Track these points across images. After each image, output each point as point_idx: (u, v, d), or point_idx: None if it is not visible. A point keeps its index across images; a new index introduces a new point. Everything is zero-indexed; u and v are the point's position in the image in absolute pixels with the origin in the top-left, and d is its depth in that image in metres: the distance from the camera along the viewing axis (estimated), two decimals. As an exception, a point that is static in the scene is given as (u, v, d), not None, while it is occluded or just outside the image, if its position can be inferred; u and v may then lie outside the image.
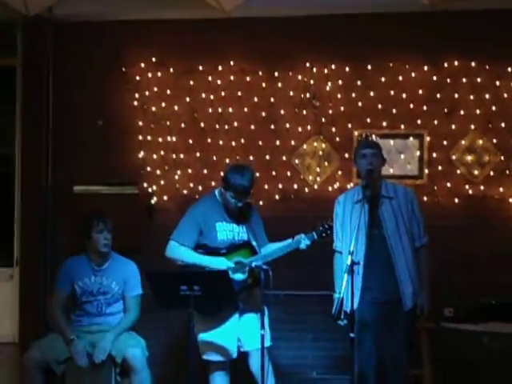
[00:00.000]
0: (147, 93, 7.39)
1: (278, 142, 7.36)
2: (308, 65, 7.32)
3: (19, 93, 7.40)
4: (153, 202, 7.25)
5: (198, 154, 7.35)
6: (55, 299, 5.95)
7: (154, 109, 7.37)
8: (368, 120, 7.30)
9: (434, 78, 7.28)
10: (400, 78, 7.30)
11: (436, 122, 7.24)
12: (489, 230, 7.05)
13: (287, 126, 7.31)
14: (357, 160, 5.66)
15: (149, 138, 7.35)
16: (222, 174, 6.53)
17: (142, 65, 7.39)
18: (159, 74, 7.42)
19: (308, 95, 7.25)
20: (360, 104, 7.28)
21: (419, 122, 7.27)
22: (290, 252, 5.78)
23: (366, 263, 5.44)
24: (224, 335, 5.67)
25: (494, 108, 7.21)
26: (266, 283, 5.42)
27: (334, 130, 7.33)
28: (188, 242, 5.72)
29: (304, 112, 7.33)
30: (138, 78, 7.38)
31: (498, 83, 7.21)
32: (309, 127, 7.33)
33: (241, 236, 5.81)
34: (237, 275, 5.68)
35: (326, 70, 7.31)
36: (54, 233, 7.23)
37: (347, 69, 7.31)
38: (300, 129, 7.36)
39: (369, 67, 7.30)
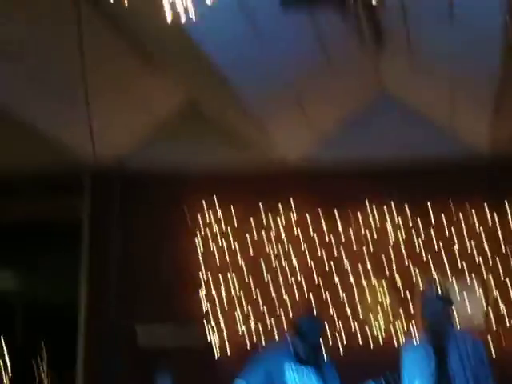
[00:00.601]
0: (209, 232, 7.47)
1: (342, 296, 7.30)
2: (368, 205, 7.28)
3: (85, 243, 7.57)
4: (216, 355, 7.14)
5: (262, 307, 7.34)
6: None
7: (217, 262, 7.37)
8: (430, 262, 7.27)
9: (495, 217, 7.16)
10: (460, 218, 7.27)
11: (498, 262, 7.18)
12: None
13: (346, 266, 7.24)
14: (425, 310, 5.58)
15: (213, 291, 7.33)
16: (285, 327, 6.59)
17: (205, 206, 7.49)
18: (223, 227, 7.51)
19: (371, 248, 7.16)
20: (421, 245, 7.25)
21: (481, 263, 7.20)
22: None
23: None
24: None
25: None
26: None
27: (398, 279, 7.29)
28: (249, 380, 5.63)
29: (367, 264, 7.26)
30: (200, 219, 7.48)
31: None
32: (373, 280, 7.27)
33: (310, 381, 5.71)
34: None
35: (386, 211, 7.27)
36: (117, 370, 7.08)
37: (407, 209, 7.30)
38: (364, 282, 7.30)
39: (429, 207, 7.29)
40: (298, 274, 7.42)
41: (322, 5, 5.30)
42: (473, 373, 5.45)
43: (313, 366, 5.81)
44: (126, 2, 4.30)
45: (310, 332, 5.76)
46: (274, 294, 7.42)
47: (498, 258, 7.23)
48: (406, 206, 7.39)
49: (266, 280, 7.46)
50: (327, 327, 7.00)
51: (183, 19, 3.94)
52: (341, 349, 7.29)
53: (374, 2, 4.90)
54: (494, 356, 6.73)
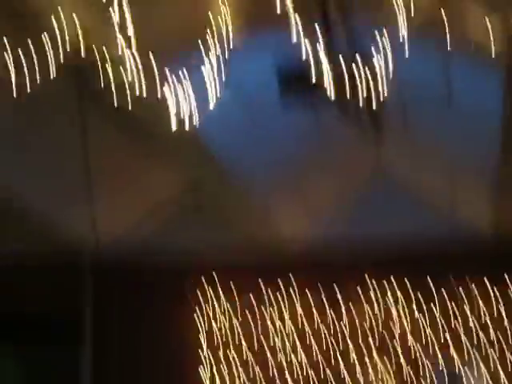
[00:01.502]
0: (212, 320, 7.40)
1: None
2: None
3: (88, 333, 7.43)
4: None
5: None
6: None
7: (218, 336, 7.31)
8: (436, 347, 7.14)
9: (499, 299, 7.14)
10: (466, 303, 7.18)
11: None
12: None
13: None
14: None
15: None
16: None
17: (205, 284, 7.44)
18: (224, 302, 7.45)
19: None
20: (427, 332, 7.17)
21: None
22: None
23: None
24: None
25: None
26: None
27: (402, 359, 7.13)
28: None
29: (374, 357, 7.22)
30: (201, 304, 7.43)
31: None
32: (379, 369, 7.19)
33: None
34: None
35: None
36: None
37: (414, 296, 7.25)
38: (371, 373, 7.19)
39: (433, 290, 7.23)
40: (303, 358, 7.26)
41: (320, 98, 5.35)
42: None
43: None
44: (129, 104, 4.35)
45: None
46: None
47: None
48: (412, 292, 7.30)
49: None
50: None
51: (187, 125, 3.98)
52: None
53: (374, 107, 4.95)
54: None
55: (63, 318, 7.34)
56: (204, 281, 7.43)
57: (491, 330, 7.24)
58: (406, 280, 7.29)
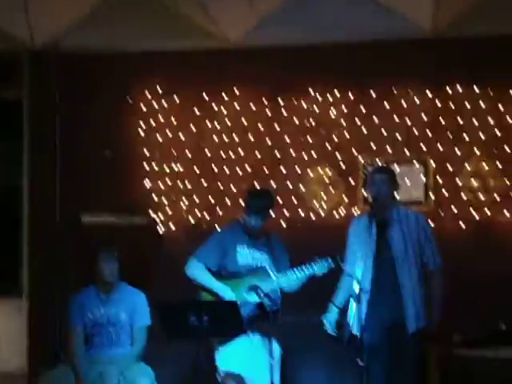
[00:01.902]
0: (153, 122, 7.37)
1: (283, 170, 7.29)
2: (312, 92, 7.25)
3: (26, 125, 7.47)
4: (160, 231, 7.22)
5: (204, 183, 7.29)
6: (75, 337, 5.99)
7: (159, 138, 7.35)
8: (373, 146, 7.30)
9: (438, 103, 7.21)
10: (404, 104, 7.25)
11: (441, 147, 7.25)
12: (495, 254, 7.08)
13: (292, 153, 7.24)
14: (367, 186, 5.67)
15: (155, 167, 7.32)
16: (228, 202, 6.83)
17: (148, 95, 7.37)
18: (164, 103, 7.36)
19: (313, 123, 7.20)
20: (365, 131, 7.32)
21: (424, 147, 7.25)
22: (307, 277, 5.78)
23: (374, 286, 5.44)
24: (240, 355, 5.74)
25: (498, 133, 7.20)
26: (275, 314, 5.43)
27: (339, 157, 7.31)
28: (207, 261, 5.78)
29: (309, 139, 7.23)
30: (143, 108, 7.39)
31: (501, 108, 7.25)
32: (314, 155, 7.24)
33: (261, 262, 5.84)
34: (252, 296, 5.72)
35: (330, 98, 7.26)
36: (63, 264, 7.16)
37: (351, 96, 7.30)
38: (305, 156, 7.27)
39: (372, 94, 7.31)
40: (241, 152, 7.45)
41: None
42: (413, 243, 5.62)
43: (263, 241, 5.90)
44: None
45: (258, 201, 5.89)
46: (215, 169, 7.38)
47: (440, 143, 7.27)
48: (350, 93, 7.44)
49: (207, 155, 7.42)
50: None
51: None
52: (283, 223, 7.41)
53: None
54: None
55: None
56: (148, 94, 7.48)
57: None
58: (349, 93, 7.33)
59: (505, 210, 7.20)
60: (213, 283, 5.72)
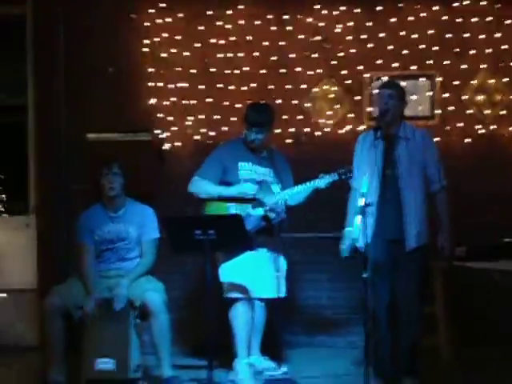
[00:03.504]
0: (156, 39, 7.36)
1: (288, 86, 7.37)
2: (317, 7, 7.24)
3: (29, 41, 7.41)
4: (165, 147, 7.25)
5: (208, 100, 7.31)
6: (84, 253, 6.03)
7: (163, 55, 7.35)
8: (379, 62, 7.34)
9: (444, 17, 7.25)
10: (410, 18, 7.28)
11: (447, 62, 7.26)
12: (500, 169, 7.13)
13: (298, 69, 7.34)
14: (375, 100, 5.67)
15: (159, 84, 7.35)
16: (233, 118, 6.91)
17: (151, 11, 7.33)
18: (168, 19, 7.38)
19: (320, 37, 7.17)
20: (370, 46, 7.33)
21: (430, 62, 7.29)
22: (310, 192, 5.79)
23: (379, 202, 5.49)
24: (244, 271, 5.82)
25: (504, 47, 7.22)
26: (281, 226, 5.45)
27: (344, 72, 7.38)
28: (211, 178, 5.82)
29: (314, 55, 7.34)
30: (146, 24, 7.35)
31: (508, 22, 7.23)
32: (319, 70, 7.35)
33: (264, 176, 5.86)
34: (257, 210, 5.77)
35: (335, 13, 7.31)
36: (69, 180, 7.23)
37: (357, 11, 7.32)
38: (310, 72, 7.38)
39: (378, 8, 7.30)
40: (246, 68, 7.44)
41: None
42: (418, 162, 5.68)
43: (265, 156, 5.91)
44: None
45: (257, 115, 5.96)
46: (220, 85, 7.48)
47: (446, 58, 7.33)
48: (356, 9, 7.46)
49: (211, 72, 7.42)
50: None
51: None
52: (288, 138, 7.45)
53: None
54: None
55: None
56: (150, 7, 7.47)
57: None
58: (356, 9, 7.35)
59: (510, 125, 7.12)
60: (227, 188, 5.70)
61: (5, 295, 7.34)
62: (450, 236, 5.54)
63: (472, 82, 7.20)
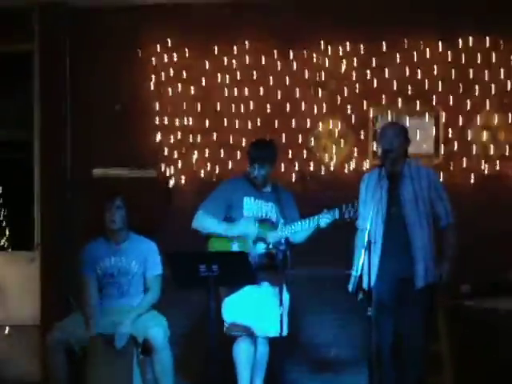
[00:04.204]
0: (163, 76, 7.43)
1: (293, 123, 7.39)
2: (323, 45, 7.30)
3: (36, 78, 7.47)
4: (171, 184, 7.27)
5: (214, 137, 7.34)
6: (88, 286, 6.07)
7: (170, 92, 7.40)
8: (383, 99, 7.35)
9: (449, 55, 7.28)
10: (415, 56, 7.32)
11: (451, 100, 7.25)
12: (504, 207, 7.13)
13: (303, 107, 7.31)
14: (378, 140, 5.69)
15: (166, 121, 7.37)
16: (238, 155, 6.98)
17: (158, 48, 7.41)
18: (175, 57, 7.42)
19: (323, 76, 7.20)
20: (375, 83, 7.34)
21: (435, 100, 7.28)
22: (312, 229, 5.80)
23: (384, 241, 5.46)
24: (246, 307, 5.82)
25: (508, 85, 7.21)
26: (284, 263, 5.45)
27: (349, 109, 7.35)
28: (215, 213, 5.82)
29: (319, 93, 7.29)
30: (154, 61, 7.42)
31: (512, 59, 7.04)
32: (324, 108, 7.36)
33: (267, 213, 5.87)
34: (258, 246, 5.77)
35: (340, 50, 7.34)
36: (74, 216, 7.23)
37: (362, 48, 7.35)
38: (315, 109, 7.37)
39: (383, 46, 7.33)
40: (251, 105, 7.50)
41: None
42: (424, 200, 5.72)
43: (269, 192, 5.93)
44: None
45: (260, 151, 6.00)
46: (225, 123, 7.54)
47: (451, 96, 7.30)
48: (361, 45, 7.45)
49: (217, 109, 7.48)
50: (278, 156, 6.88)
51: None
52: (293, 176, 7.45)
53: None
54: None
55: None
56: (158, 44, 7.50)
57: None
58: (361, 45, 7.35)
59: (515, 164, 7.11)
60: (228, 227, 5.72)
61: (8, 329, 7.27)
62: (450, 267, 5.54)
63: (476, 120, 7.25)
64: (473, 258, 6.79)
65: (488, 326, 6.53)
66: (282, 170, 7.21)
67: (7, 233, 7.95)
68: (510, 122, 7.22)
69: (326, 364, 7.04)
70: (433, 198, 5.62)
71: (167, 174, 7.37)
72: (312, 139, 7.39)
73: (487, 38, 7.20)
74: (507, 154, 7.23)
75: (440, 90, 7.32)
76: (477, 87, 7.26)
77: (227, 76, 7.42)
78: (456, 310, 6.38)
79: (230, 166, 7.29)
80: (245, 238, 5.84)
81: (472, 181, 7.25)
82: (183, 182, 7.40)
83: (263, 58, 7.39)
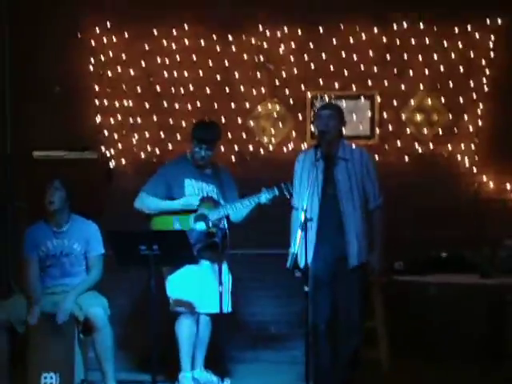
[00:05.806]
0: (103, 58, 7.47)
1: (233, 105, 7.47)
2: (261, 28, 7.40)
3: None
4: (111, 165, 7.31)
5: (154, 118, 7.41)
6: (29, 268, 6.04)
7: (109, 73, 7.45)
8: (321, 82, 7.47)
9: (384, 39, 7.42)
10: (351, 40, 7.42)
11: (386, 82, 7.44)
12: (438, 186, 7.34)
13: (242, 88, 7.42)
14: (314, 121, 5.79)
15: (105, 102, 7.43)
16: (178, 137, 6.97)
17: (97, 30, 7.39)
18: (114, 38, 7.42)
19: (262, 59, 7.29)
20: (313, 66, 7.47)
21: (370, 83, 7.45)
22: (253, 207, 5.94)
23: (319, 220, 5.61)
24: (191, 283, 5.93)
25: (441, 68, 7.40)
26: (224, 243, 5.57)
27: (287, 92, 7.49)
28: (156, 194, 5.94)
29: (258, 75, 7.43)
30: (93, 43, 7.41)
31: (445, 44, 7.44)
32: (263, 90, 7.47)
33: (208, 193, 5.98)
34: (199, 224, 5.87)
35: (278, 33, 7.46)
36: (14, 198, 7.21)
37: (299, 32, 7.45)
38: (254, 91, 7.49)
39: (320, 30, 7.45)
40: (191, 87, 7.52)
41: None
42: (357, 181, 5.78)
43: (210, 173, 6.06)
44: None
45: (204, 132, 6.05)
46: (165, 104, 7.54)
47: (386, 79, 7.46)
48: (299, 29, 7.53)
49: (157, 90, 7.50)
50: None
51: None
52: (232, 157, 7.54)
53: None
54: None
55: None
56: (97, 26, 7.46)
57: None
58: (298, 29, 7.44)
59: (447, 144, 7.30)
60: (171, 202, 5.81)
61: None
62: (380, 257, 5.69)
63: (411, 102, 7.46)
64: (406, 235, 6.94)
65: (420, 300, 6.73)
66: (222, 150, 7.16)
67: None
68: (443, 103, 7.29)
69: (266, 340, 7.11)
70: (364, 179, 5.71)
71: (108, 156, 7.29)
72: (251, 121, 7.39)
73: (421, 22, 7.28)
74: (440, 134, 7.28)
75: (375, 72, 7.35)
76: (411, 70, 7.35)
77: (166, 59, 7.34)
78: (390, 286, 6.53)
79: (170, 148, 7.32)
80: (187, 217, 5.91)
81: (406, 160, 7.33)
82: (124, 163, 7.37)
83: (202, 41, 7.36)
